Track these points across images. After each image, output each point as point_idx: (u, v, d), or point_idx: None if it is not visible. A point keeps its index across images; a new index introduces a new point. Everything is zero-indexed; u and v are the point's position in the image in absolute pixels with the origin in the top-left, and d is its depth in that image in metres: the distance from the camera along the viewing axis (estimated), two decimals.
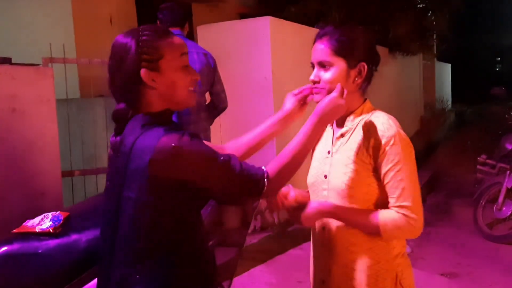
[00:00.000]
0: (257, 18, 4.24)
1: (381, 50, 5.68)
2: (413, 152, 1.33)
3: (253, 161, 1.23)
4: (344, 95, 1.29)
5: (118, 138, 1.19)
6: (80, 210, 1.76)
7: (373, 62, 1.38)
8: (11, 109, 2.76)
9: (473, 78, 19.37)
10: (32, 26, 4.67)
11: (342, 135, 1.39)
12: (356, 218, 1.33)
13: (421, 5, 8.43)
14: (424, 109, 11.32)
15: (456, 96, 16.79)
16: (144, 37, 1.17)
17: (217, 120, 3.53)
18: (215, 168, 1.13)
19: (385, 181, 1.30)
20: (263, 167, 1.19)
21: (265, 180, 1.17)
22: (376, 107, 1.42)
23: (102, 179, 3.32)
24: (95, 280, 1.30)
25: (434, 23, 8.34)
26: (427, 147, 8.81)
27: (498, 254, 4.00)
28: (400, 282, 1.34)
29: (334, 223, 1.38)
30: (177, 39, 1.22)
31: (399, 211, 1.28)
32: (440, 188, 6.43)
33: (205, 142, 1.20)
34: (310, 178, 1.47)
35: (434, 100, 12.79)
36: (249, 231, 4.03)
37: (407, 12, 7.59)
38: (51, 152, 2.99)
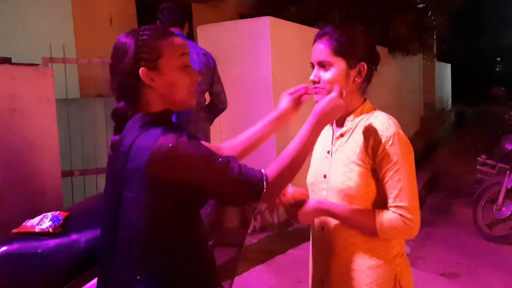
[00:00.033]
0: (257, 18, 4.24)
1: (381, 50, 5.67)
2: (412, 152, 1.33)
3: (253, 163, 1.22)
4: (343, 96, 1.29)
5: (117, 136, 1.20)
6: (80, 210, 1.75)
7: (373, 62, 1.39)
8: (11, 109, 2.76)
9: (473, 78, 19.34)
10: (32, 26, 4.66)
11: (342, 135, 1.39)
12: (353, 217, 1.33)
13: (421, 5, 8.43)
14: (424, 109, 11.32)
15: (456, 96, 16.80)
16: (143, 37, 1.17)
17: (217, 120, 3.54)
18: (212, 170, 1.12)
19: (384, 181, 1.30)
20: (262, 170, 1.17)
21: (264, 183, 1.15)
22: (376, 107, 1.42)
23: (102, 179, 3.31)
24: (95, 280, 1.30)
25: (434, 23, 8.35)
26: (427, 147, 8.81)
27: (498, 254, 3.99)
28: (399, 282, 1.34)
29: (333, 223, 1.38)
30: (177, 39, 1.22)
31: (396, 211, 1.28)
32: (440, 188, 6.43)
33: (203, 143, 1.19)
34: (310, 178, 1.47)
35: (434, 100, 12.80)
36: (249, 231, 4.04)
37: (407, 12, 7.60)
38: (51, 152, 2.99)
